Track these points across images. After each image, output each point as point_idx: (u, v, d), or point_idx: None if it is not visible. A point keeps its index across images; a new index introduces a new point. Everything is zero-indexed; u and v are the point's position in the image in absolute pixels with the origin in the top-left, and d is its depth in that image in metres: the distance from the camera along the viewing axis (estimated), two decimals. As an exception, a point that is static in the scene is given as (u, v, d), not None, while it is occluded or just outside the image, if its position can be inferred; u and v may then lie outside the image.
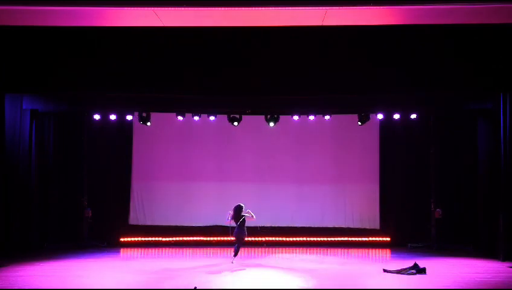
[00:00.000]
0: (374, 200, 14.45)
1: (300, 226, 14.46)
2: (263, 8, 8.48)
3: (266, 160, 14.55)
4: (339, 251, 13.48)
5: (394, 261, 11.62)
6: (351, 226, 14.46)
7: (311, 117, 13.30)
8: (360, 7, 8.40)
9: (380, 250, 13.62)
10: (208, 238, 14.28)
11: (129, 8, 8.53)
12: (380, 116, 13.37)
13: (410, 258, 11.39)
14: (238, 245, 11.38)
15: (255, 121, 13.82)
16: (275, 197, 14.33)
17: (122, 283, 9.25)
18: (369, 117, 13.25)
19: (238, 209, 11.33)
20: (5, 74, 10.83)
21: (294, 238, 14.28)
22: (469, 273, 10.21)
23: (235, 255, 11.35)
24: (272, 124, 13.35)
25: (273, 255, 12.88)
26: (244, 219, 11.34)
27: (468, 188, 13.29)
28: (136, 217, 14.57)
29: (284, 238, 14.21)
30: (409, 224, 14.03)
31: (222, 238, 14.10)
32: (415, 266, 10.19)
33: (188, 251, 13.33)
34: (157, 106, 12.93)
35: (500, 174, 11.64)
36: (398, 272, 10.13)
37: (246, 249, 12.79)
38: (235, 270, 10.62)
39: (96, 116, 13.33)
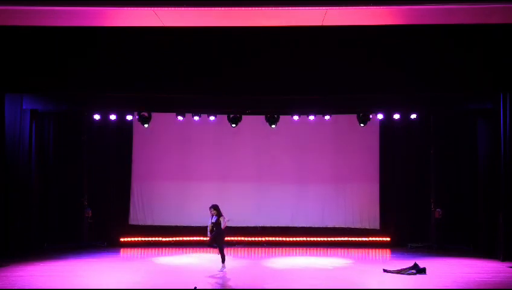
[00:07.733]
0: (374, 200, 14.45)
1: (300, 226, 14.46)
2: (263, 8, 8.47)
3: (266, 160, 14.55)
4: (339, 251, 13.47)
5: (394, 261, 11.62)
6: (351, 226, 14.46)
7: (311, 117, 13.29)
8: (360, 7, 8.40)
9: (380, 250, 13.62)
10: (208, 238, 14.24)
11: (129, 8, 8.54)
12: (380, 116, 13.37)
13: (410, 258, 11.39)
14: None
15: (255, 121, 13.80)
16: (275, 197, 14.32)
17: (122, 283, 9.24)
18: (369, 117, 13.23)
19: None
20: (5, 74, 10.83)
21: (294, 238, 14.27)
22: (469, 273, 10.21)
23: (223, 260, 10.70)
24: (271, 124, 13.33)
25: (272, 255, 12.87)
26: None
27: (468, 188, 13.29)
28: (136, 217, 14.57)
29: (284, 238, 14.20)
30: (409, 224, 14.03)
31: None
32: (415, 266, 10.19)
33: (188, 251, 13.31)
34: (157, 106, 12.91)
35: (500, 174, 11.64)
36: (398, 272, 10.13)
37: (246, 249, 12.78)
38: (235, 271, 10.61)
39: (96, 116, 13.32)
